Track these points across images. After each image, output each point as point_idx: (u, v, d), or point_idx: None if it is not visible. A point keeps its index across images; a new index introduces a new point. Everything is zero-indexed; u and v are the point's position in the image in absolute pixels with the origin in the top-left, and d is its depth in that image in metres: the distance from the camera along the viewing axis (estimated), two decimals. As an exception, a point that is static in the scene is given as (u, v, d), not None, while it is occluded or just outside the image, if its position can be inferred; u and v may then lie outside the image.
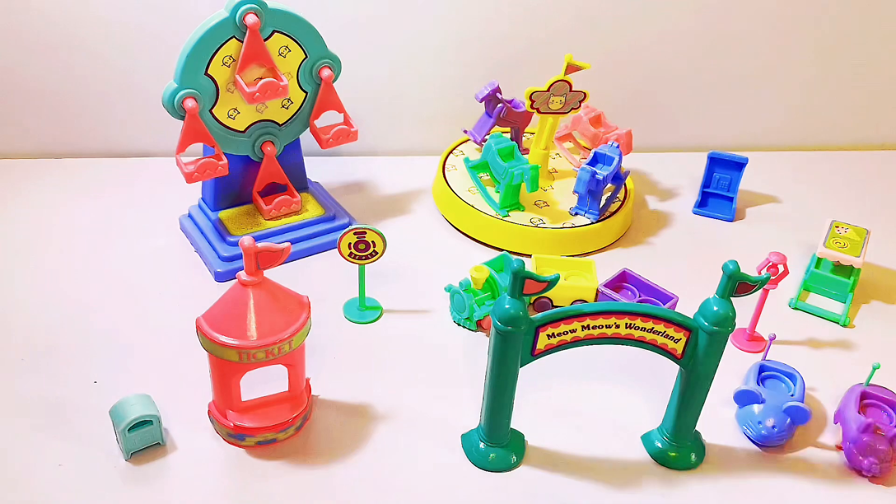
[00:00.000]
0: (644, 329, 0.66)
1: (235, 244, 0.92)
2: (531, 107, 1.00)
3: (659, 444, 0.73)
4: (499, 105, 1.05)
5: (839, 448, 0.74)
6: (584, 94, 1.00)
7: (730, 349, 0.84)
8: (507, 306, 0.63)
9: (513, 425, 0.72)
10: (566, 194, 1.03)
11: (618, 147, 0.99)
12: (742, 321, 0.77)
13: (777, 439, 0.73)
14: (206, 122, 0.87)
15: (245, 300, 0.67)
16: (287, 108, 0.93)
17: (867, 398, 0.77)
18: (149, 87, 0.95)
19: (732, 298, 0.65)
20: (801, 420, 0.74)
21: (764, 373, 0.80)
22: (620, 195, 1.03)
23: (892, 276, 0.98)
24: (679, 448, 0.73)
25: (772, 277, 0.79)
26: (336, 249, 0.84)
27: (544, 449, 0.74)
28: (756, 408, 0.75)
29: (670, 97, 1.20)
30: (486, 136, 1.05)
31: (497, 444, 0.72)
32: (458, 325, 0.87)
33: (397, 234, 0.97)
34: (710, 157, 1.07)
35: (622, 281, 0.90)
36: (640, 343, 0.67)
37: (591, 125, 1.08)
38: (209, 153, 0.90)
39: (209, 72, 0.85)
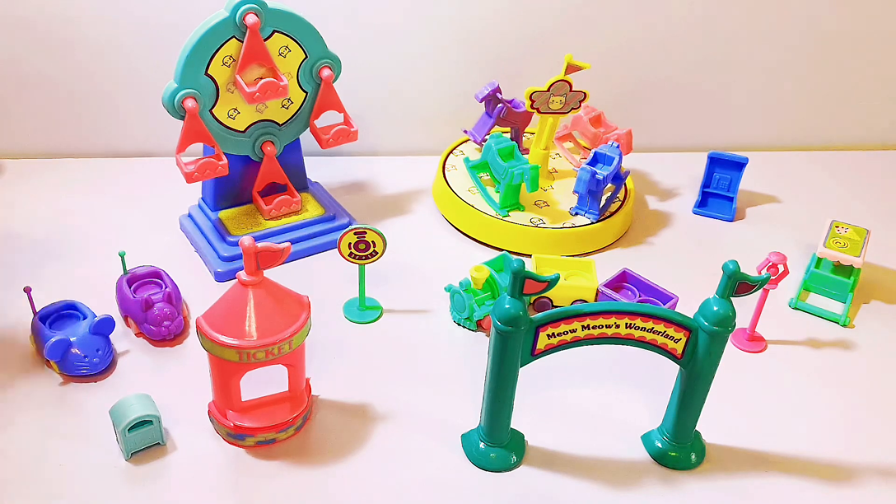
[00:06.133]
0: (644, 329, 0.66)
1: (235, 244, 0.92)
2: (531, 107, 1.00)
3: (659, 444, 0.73)
4: (499, 105, 1.05)
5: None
6: (584, 94, 1.00)
7: (730, 349, 0.84)
8: (507, 306, 0.63)
9: (513, 425, 0.72)
10: (566, 194, 1.03)
11: (618, 147, 0.99)
12: (742, 321, 0.77)
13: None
14: (206, 122, 0.87)
15: (245, 300, 0.67)
16: (287, 108, 0.93)
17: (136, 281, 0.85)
18: (149, 87, 0.95)
19: (732, 298, 0.65)
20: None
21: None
22: (620, 195, 1.03)
23: (892, 276, 0.98)
24: (679, 448, 0.73)
25: (772, 277, 0.79)
26: (336, 249, 0.84)
27: (544, 449, 0.74)
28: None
29: (670, 97, 1.20)
30: (486, 136, 1.05)
31: (497, 444, 0.72)
32: (458, 325, 0.87)
33: (397, 234, 0.97)
34: (710, 157, 1.07)
35: (622, 281, 0.90)
36: (640, 343, 0.67)
37: (591, 125, 1.08)
38: (209, 153, 0.90)
39: (209, 72, 0.85)
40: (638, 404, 0.79)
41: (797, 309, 0.92)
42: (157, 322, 0.80)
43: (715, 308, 0.64)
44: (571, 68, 0.98)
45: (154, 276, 0.86)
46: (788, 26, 1.16)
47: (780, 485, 0.72)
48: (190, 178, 0.88)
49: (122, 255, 0.84)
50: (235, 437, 0.72)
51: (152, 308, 0.81)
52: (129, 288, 0.83)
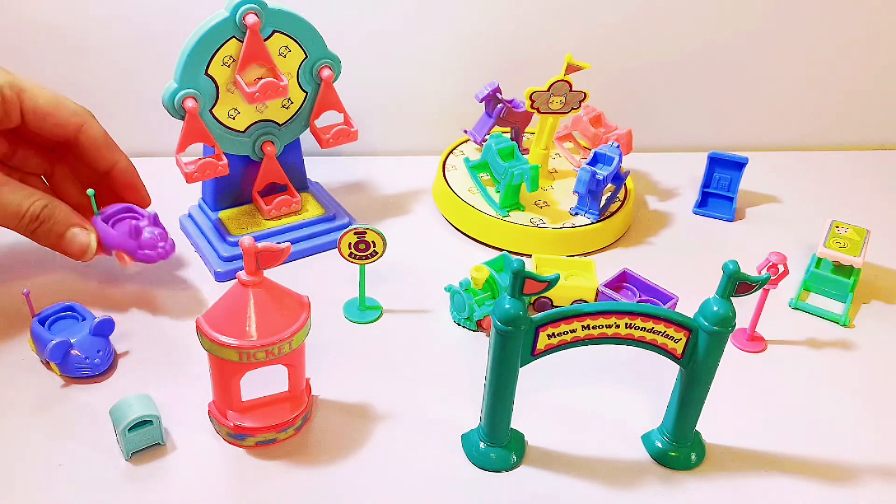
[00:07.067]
0: (644, 329, 0.66)
1: (235, 244, 0.92)
2: (531, 107, 1.00)
3: (659, 444, 0.73)
4: (499, 105, 1.05)
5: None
6: (584, 94, 1.00)
7: (730, 349, 0.84)
8: (507, 306, 0.63)
9: (513, 425, 0.72)
10: (566, 194, 1.03)
11: (618, 147, 0.99)
12: (742, 321, 0.77)
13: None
14: (206, 122, 0.87)
15: (245, 300, 0.67)
16: (287, 108, 0.93)
17: None
18: (148, 87, 0.95)
19: (732, 298, 0.65)
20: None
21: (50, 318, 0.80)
22: (620, 195, 1.03)
23: (892, 276, 0.98)
24: (679, 448, 0.73)
25: (772, 277, 0.79)
26: (336, 249, 0.84)
27: (544, 449, 0.74)
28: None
29: (670, 97, 1.20)
30: (486, 136, 1.06)
31: (497, 444, 0.72)
32: (458, 325, 0.87)
33: (397, 234, 0.97)
34: (710, 157, 1.07)
35: (622, 281, 0.90)
36: (640, 343, 0.67)
37: (591, 125, 1.08)
38: (209, 153, 0.90)
39: (209, 72, 0.85)
40: (638, 404, 0.79)
41: (797, 309, 0.92)
42: (153, 246, 0.82)
43: (715, 308, 0.64)
44: (571, 68, 0.98)
45: (127, 211, 0.86)
46: (789, 26, 1.16)
47: (780, 485, 0.72)
48: (190, 178, 0.88)
49: (91, 195, 0.83)
50: (236, 437, 0.72)
51: (142, 233, 0.82)
52: (108, 224, 0.83)
